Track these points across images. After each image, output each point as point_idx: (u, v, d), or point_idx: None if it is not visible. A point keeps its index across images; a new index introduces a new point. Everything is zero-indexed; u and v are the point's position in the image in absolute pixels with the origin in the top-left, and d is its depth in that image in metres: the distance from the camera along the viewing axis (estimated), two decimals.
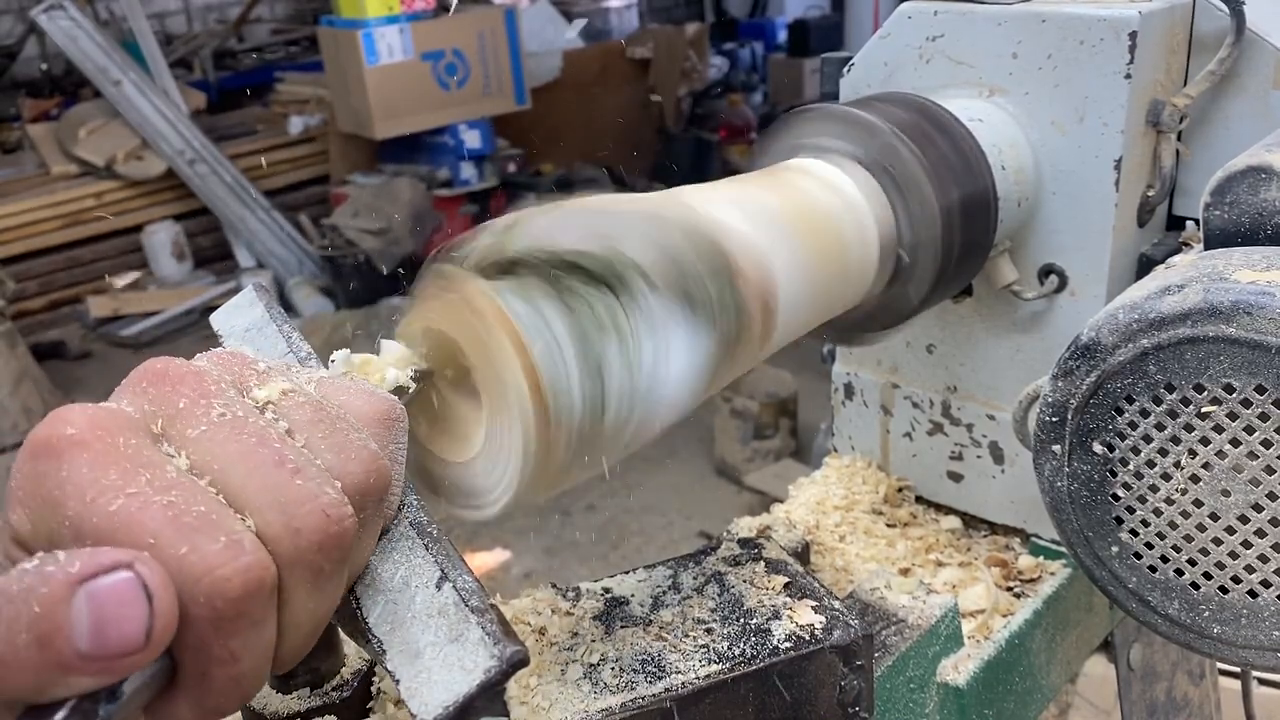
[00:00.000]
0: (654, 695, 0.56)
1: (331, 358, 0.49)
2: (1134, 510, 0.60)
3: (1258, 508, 0.56)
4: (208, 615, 0.35)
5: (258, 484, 0.38)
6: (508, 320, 0.46)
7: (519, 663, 0.40)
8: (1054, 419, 0.61)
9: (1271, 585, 0.56)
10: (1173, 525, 0.59)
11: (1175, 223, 0.82)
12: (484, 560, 3.42)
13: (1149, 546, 0.60)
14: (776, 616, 0.60)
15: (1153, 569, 0.60)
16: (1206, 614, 0.59)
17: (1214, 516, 0.57)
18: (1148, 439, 0.58)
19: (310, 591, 0.39)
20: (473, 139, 5.74)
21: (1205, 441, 0.56)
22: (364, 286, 5.27)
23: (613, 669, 0.58)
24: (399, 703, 0.58)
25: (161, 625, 0.33)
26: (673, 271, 0.50)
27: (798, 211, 0.62)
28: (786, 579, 0.64)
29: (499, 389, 0.47)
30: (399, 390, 0.48)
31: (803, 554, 0.73)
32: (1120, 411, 0.59)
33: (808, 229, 0.62)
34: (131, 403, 0.40)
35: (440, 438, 0.51)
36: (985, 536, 0.88)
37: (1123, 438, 0.59)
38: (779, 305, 0.57)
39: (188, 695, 0.37)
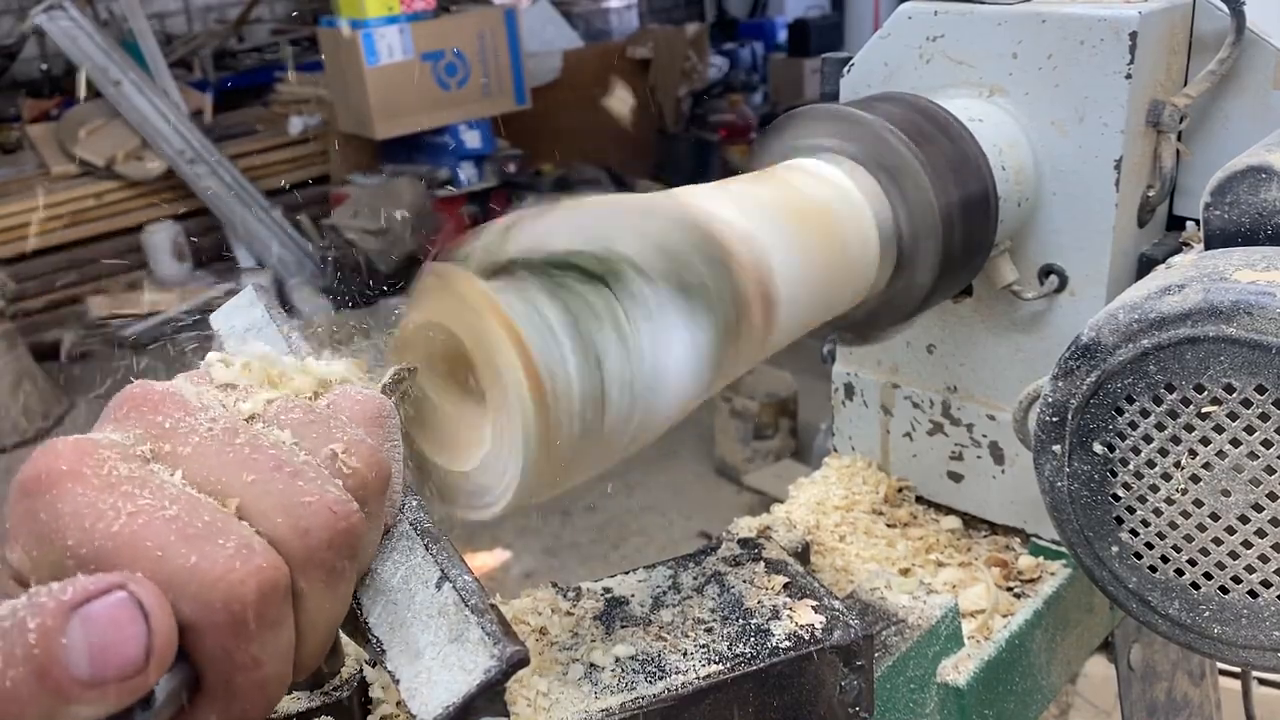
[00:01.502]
0: (654, 695, 0.56)
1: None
2: (1134, 510, 0.60)
3: (1258, 508, 0.56)
4: (226, 621, 0.35)
5: (259, 490, 0.38)
6: (502, 313, 0.46)
7: (519, 663, 0.40)
8: (1054, 419, 0.61)
9: (1272, 585, 0.56)
10: (1173, 525, 0.59)
11: (1175, 223, 0.82)
12: (484, 560, 3.42)
13: (1149, 546, 0.60)
14: (776, 616, 0.60)
15: (1153, 569, 0.60)
16: (1207, 614, 0.59)
17: (1214, 516, 0.57)
18: (1148, 439, 0.58)
19: (324, 590, 0.39)
20: (473, 139, 5.74)
21: (1206, 441, 0.56)
22: (364, 287, 5.27)
23: (613, 669, 0.58)
24: (400, 703, 0.59)
25: (161, 643, 0.33)
26: (666, 262, 0.50)
27: (796, 208, 0.62)
28: (786, 579, 0.64)
29: (497, 382, 0.47)
30: (392, 387, 0.49)
31: (803, 554, 0.73)
32: (1120, 411, 0.59)
33: (806, 226, 0.62)
34: (117, 430, 0.39)
35: (444, 446, 0.51)
36: (985, 536, 0.88)
37: (1123, 438, 0.59)
38: (779, 296, 0.57)
39: (214, 703, 0.37)
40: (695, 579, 0.65)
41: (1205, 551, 0.58)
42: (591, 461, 0.50)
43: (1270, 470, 0.55)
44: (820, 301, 0.63)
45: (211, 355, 0.47)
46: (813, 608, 0.61)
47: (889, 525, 0.88)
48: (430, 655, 0.41)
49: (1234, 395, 0.55)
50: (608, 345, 0.48)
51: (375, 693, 0.59)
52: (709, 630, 0.60)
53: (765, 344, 0.58)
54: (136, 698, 0.33)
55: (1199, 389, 0.56)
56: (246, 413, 0.41)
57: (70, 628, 0.31)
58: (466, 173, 5.79)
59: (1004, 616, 0.79)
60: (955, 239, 0.68)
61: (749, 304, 0.55)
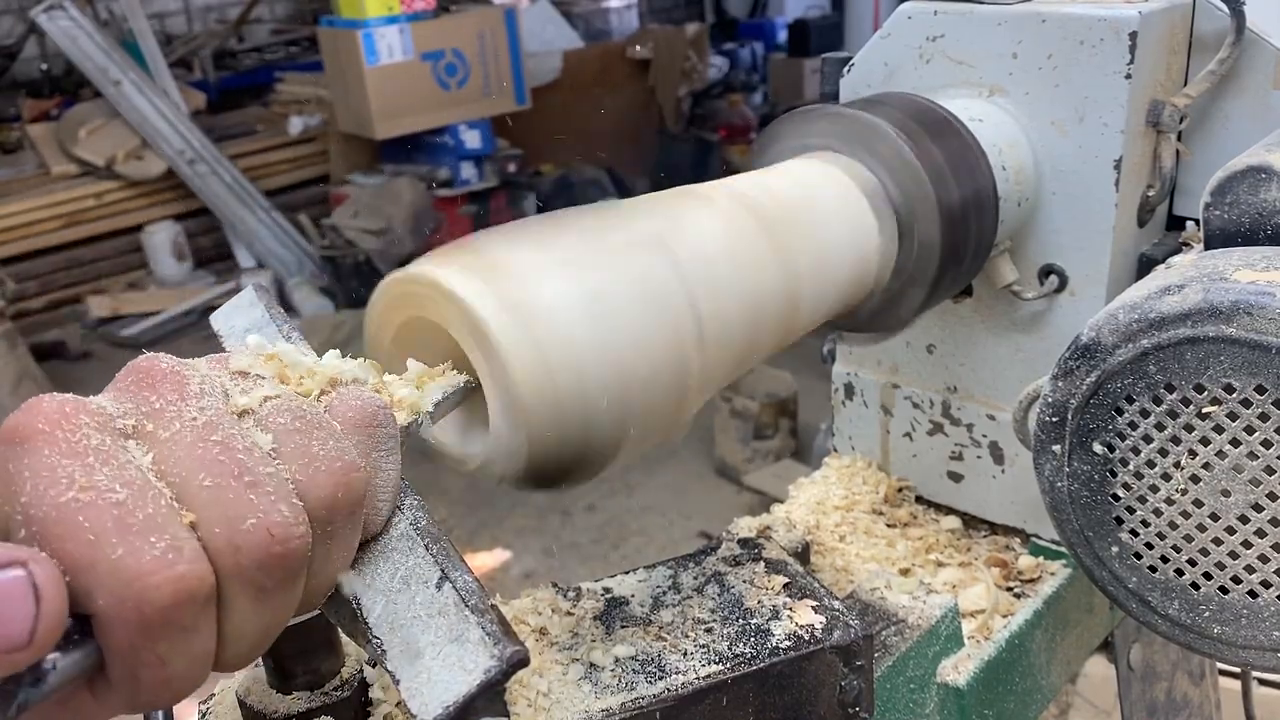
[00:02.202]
0: (654, 695, 0.56)
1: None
2: (1134, 510, 0.60)
3: (1258, 508, 0.56)
4: (135, 619, 0.35)
5: (211, 494, 0.38)
6: (435, 261, 0.47)
7: (519, 663, 0.40)
8: (1054, 419, 0.61)
9: (1272, 585, 0.56)
10: (1173, 525, 0.59)
11: (1175, 223, 0.82)
12: (484, 560, 3.42)
13: (1149, 547, 0.60)
14: (776, 616, 0.60)
15: (1153, 569, 0.60)
16: (1207, 614, 0.59)
17: (1214, 517, 0.57)
18: (1148, 439, 0.58)
19: (253, 605, 0.39)
20: (473, 139, 5.74)
21: (1205, 442, 0.56)
22: (364, 286, 5.26)
23: (613, 669, 0.58)
24: (400, 703, 0.59)
25: (46, 627, 0.33)
26: None
27: (792, 203, 0.62)
28: (786, 579, 0.64)
29: (461, 320, 0.47)
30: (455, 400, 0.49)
31: (803, 554, 0.73)
32: (1120, 411, 0.59)
33: (803, 221, 0.62)
34: (114, 399, 0.40)
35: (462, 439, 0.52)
36: (985, 536, 0.88)
37: (1123, 438, 0.59)
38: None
39: (115, 689, 0.37)
40: (695, 579, 0.65)
41: (1205, 551, 0.58)
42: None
43: (1270, 470, 0.55)
44: (829, 278, 0.63)
45: (251, 338, 0.47)
46: (813, 608, 0.61)
47: (889, 525, 0.88)
48: (430, 655, 0.41)
49: (1234, 395, 0.55)
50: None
51: (375, 693, 0.59)
52: (709, 630, 0.60)
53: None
54: (14, 670, 0.33)
55: (1199, 389, 0.56)
56: (241, 406, 0.41)
57: None
58: (466, 173, 5.79)
59: (1004, 616, 0.79)
60: (955, 239, 0.68)
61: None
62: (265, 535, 0.38)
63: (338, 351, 0.48)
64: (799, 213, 0.62)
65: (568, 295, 0.48)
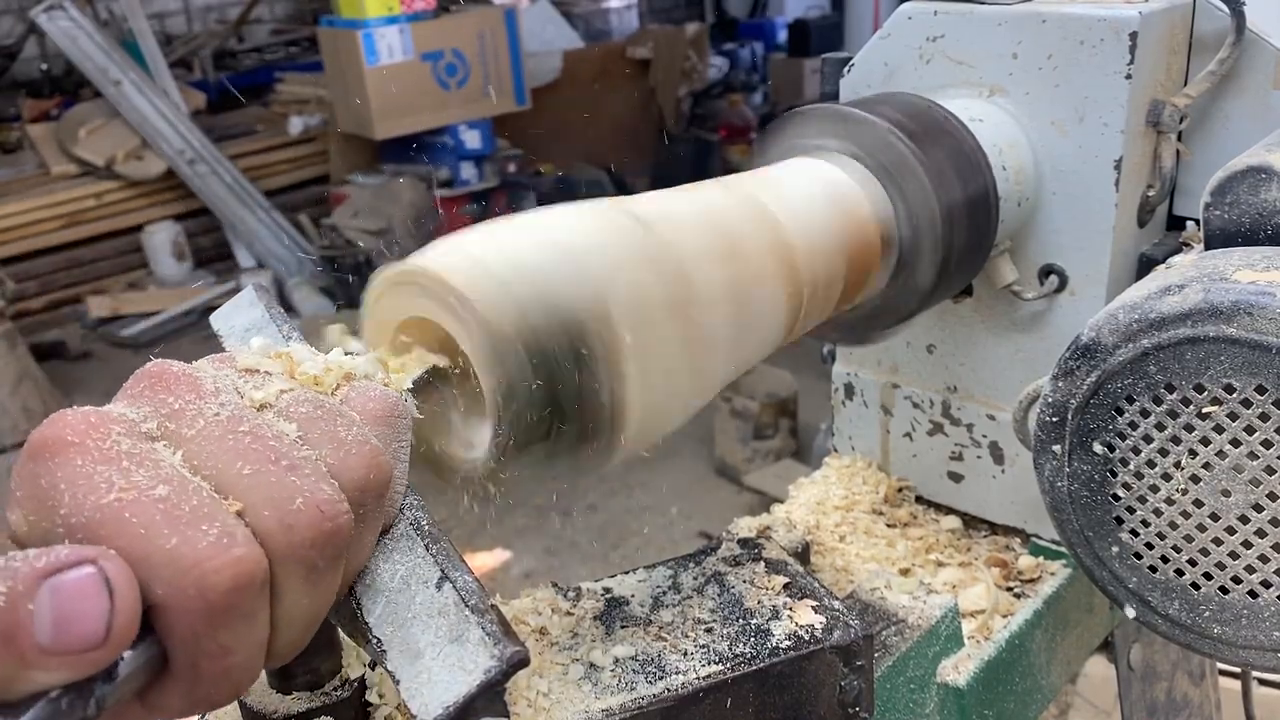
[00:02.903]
0: (654, 695, 0.56)
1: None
2: (1134, 510, 0.60)
3: (1258, 508, 0.56)
4: (198, 608, 0.35)
5: (251, 480, 0.38)
6: (432, 259, 0.47)
7: (519, 663, 0.40)
8: (1054, 419, 0.61)
9: (1272, 586, 0.56)
10: (1173, 525, 0.59)
11: (1175, 223, 0.82)
12: (484, 560, 3.42)
13: (1149, 547, 0.60)
14: (776, 616, 0.60)
15: (1153, 569, 0.60)
16: (1207, 614, 0.59)
17: (1214, 517, 0.57)
18: (1148, 439, 0.58)
19: (305, 587, 0.39)
20: (473, 139, 5.74)
21: (1206, 442, 0.56)
22: (364, 286, 5.25)
23: (613, 669, 0.58)
24: (400, 705, 0.58)
25: (122, 622, 0.33)
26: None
27: (792, 203, 0.62)
28: (786, 579, 0.64)
29: (457, 315, 0.47)
30: (423, 386, 0.49)
31: (803, 554, 0.73)
32: (1120, 412, 0.59)
33: (803, 221, 0.62)
34: (129, 406, 0.40)
35: (459, 440, 0.52)
36: (985, 536, 0.88)
37: (1123, 438, 0.59)
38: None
39: (178, 685, 0.37)
40: (695, 579, 0.65)
41: (1205, 552, 0.58)
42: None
43: (1270, 470, 0.55)
44: (828, 278, 0.63)
45: (255, 340, 0.47)
46: (813, 608, 0.61)
47: (889, 525, 0.88)
48: (430, 655, 0.41)
49: (1234, 395, 0.55)
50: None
51: (372, 697, 0.59)
52: (709, 630, 0.60)
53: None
54: (94, 671, 0.33)
55: (1199, 389, 0.56)
56: (258, 401, 0.42)
57: (39, 595, 0.32)
58: (466, 173, 5.79)
59: (1004, 616, 0.79)
60: (955, 239, 0.68)
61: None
62: (316, 513, 0.38)
63: (340, 349, 0.48)
64: (799, 213, 0.62)
65: (519, 237, 0.49)
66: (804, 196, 0.63)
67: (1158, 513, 0.59)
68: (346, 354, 0.48)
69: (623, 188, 6.11)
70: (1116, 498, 0.60)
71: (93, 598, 0.33)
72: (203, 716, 0.55)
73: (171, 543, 0.35)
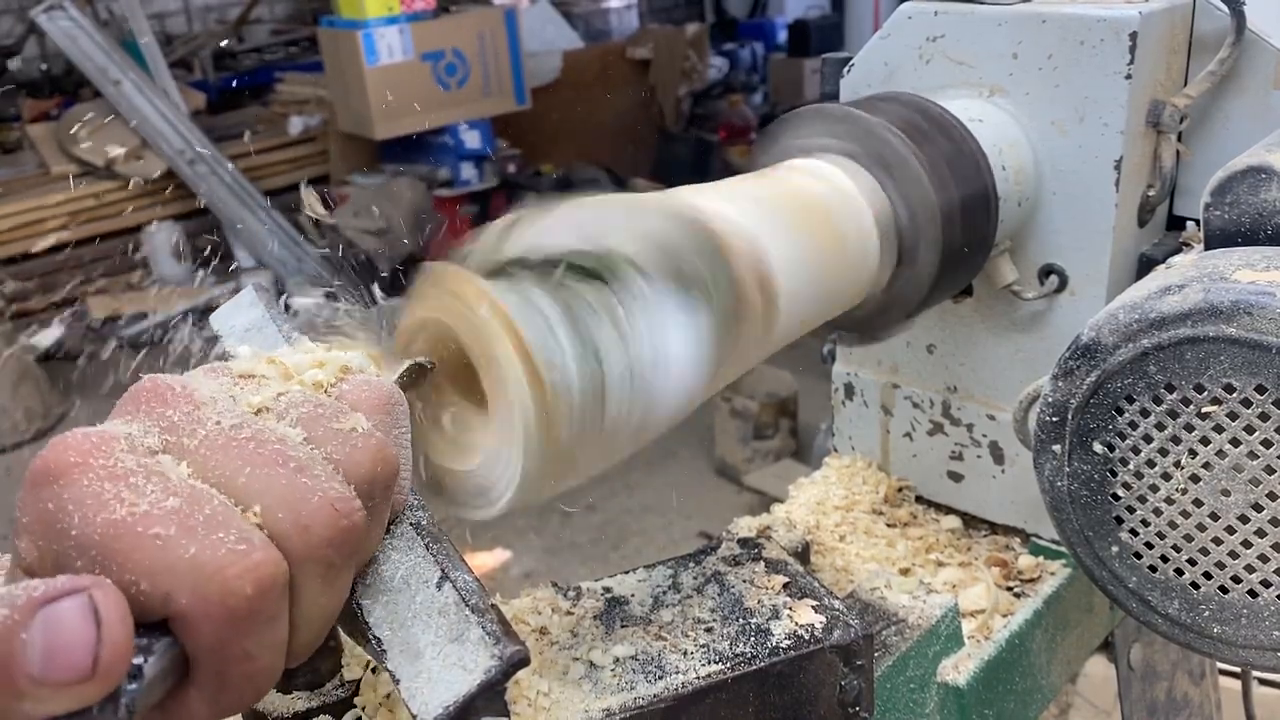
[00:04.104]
0: (654, 695, 0.56)
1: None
2: (1134, 510, 0.60)
3: (1258, 507, 0.56)
4: (221, 615, 0.35)
5: (262, 484, 0.38)
6: (498, 306, 0.46)
7: (519, 662, 0.40)
8: (1054, 419, 0.61)
9: (1271, 585, 0.56)
10: (1173, 525, 0.59)
11: (1175, 223, 0.82)
12: (484, 560, 3.42)
13: (1149, 546, 0.60)
14: (776, 616, 0.60)
15: (1153, 569, 0.60)
16: (1206, 614, 0.59)
17: (1214, 516, 0.57)
18: (1148, 439, 0.58)
19: (322, 586, 0.39)
20: (473, 139, 5.74)
21: (1205, 441, 0.56)
22: (363, 287, 5.25)
23: (613, 669, 0.58)
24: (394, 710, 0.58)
25: (109, 654, 0.32)
26: (662, 257, 0.51)
27: (795, 205, 0.63)
28: (786, 579, 0.64)
29: (495, 374, 0.47)
30: (410, 375, 0.49)
31: (803, 554, 0.73)
32: (1120, 411, 0.59)
33: (805, 222, 0.62)
34: (127, 423, 0.40)
35: (449, 447, 0.51)
36: (985, 536, 0.88)
37: (1123, 437, 0.59)
38: (779, 287, 0.58)
39: (202, 692, 0.37)
40: (695, 579, 0.65)
41: (1205, 551, 0.58)
42: (595, 456, 0.50)
43: (1270, 470, 0.55)
44: (821, 295, 0.63)
45: (242, 349, 0.47)
46: (813, 608, 0.61)
47: (889, 525, 0.88)
48: (430, 655, 0.41)
49: (1234, 395, 0.55)
50: (606, 338, 0.48)
51: (367, 698, 0.59)
52: (709, 630, 0.60)
53: (768, 335, 0.58)
54: (84, 704, 0.32)
55: (1199, 389, 0.56)
56: (256, 405, 0.42)
57: (34, 624, 0.32)
58: (466, 173, 5.79)
59: (1004, 616, 0.79)
60: (955, 239, 0.68)
61: (747, 289, 0.55)
62: (331, 511, 0.38)
63: (330, 345, 0.48)
64: (798, 214, 0.62)
65: (593, 464, 0.50)
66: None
67: (1157, 512, 0.59)
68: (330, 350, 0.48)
69: (623, 187, 6.09)
70: (1116, 497, 0.60)
71: (80, 628, 0.32)
72: None
73: (190, 551, 0.35)
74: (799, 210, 0.62)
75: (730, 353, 0.55)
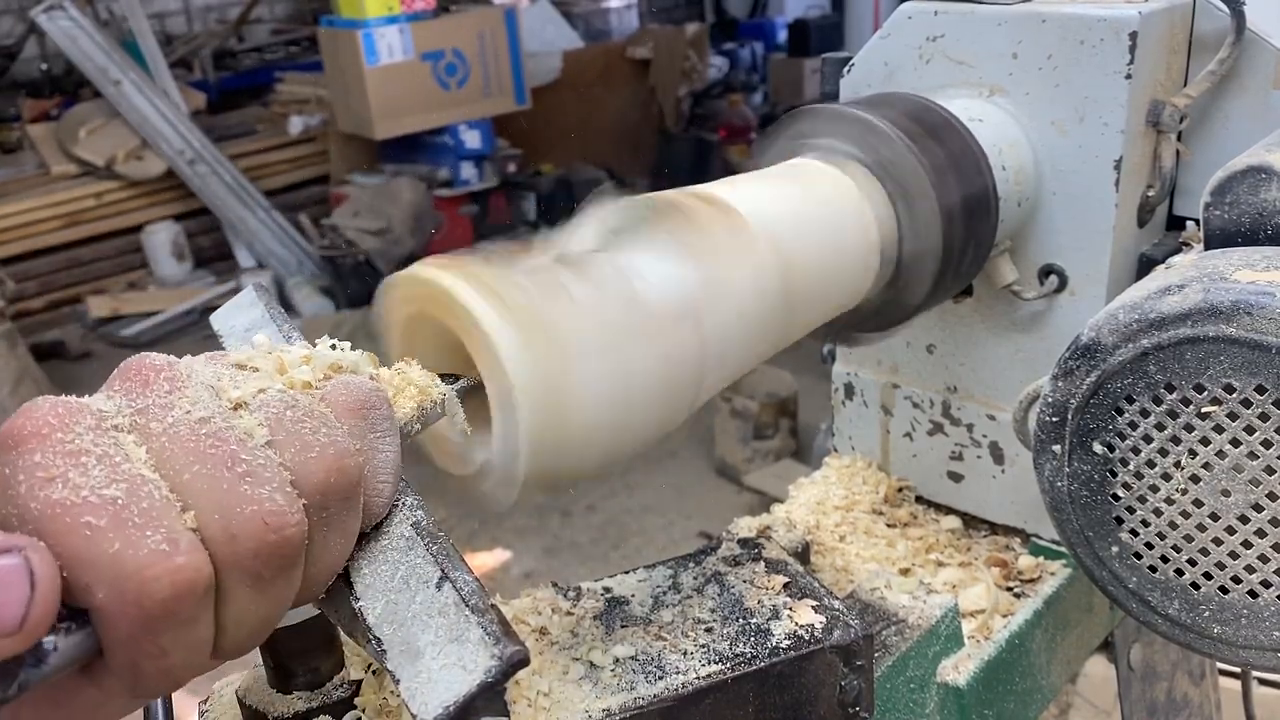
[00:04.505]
0: (654, 695, 0.56)
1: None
2: (1134, 510, 0.60)
3: (1258, 508, 0.56)
4: (135, 614, 0.35)
5: (204, 484, 0.38)
6: (461, 268, 0.48)
7: (519, 662, 0.40)
8: (1054, 419, 0.61)
9: (1272, 585, 0.56)
10: (1173, 525, 0.59)
11: (1175, 223, 0.82)
12: (484, 560, 3.42)
13: (1149, 546, 0.60)
14: (776, 616, 0.60)
15: (1153, 569, 0.60)
16: (1207, 614, 0.59)
17: (1214, 516, 0.57)
18: (1148, 439, 0.58)
19: (251, 594, 0.39)
20: (473, 139, 5.74)
21: (1205, 441, 0.56)
22: (364, 286, 5.26)
23: (613, 669, 0.58)
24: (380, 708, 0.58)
25: (37, 614, 0.34)
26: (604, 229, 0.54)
27: (798, 202, 0.63)
28: (786, 579, 0.64)
29: (471, 327, 0.47)
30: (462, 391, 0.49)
31: (803, 554, 0.73)
32: (1120, 411, 0.59)
33: (805, 221, 0.62)
34: (109, 397, 0.40)
35: (459, 459, 0.52)
36: (985, 536, 0.88)
37: (1123, 438, 0.59)
38: (790, 250, 0.59)
39: (116, 678, 0.38)
40: (695, 579, 0.65)
41: (1205, 551, 0.58)
42: (598, 404, 0.50)
43: (1270, 470, 0.55)
44: (826, 293, 0.64)
45: (259, 337, 0.47)
46: (813, 608, 0.61)
47: (889, 525, 0.87)
48: (430, 655, 0.41)
49: (1234, 395, 0.55)
50: (568, 277, 0.50)
51: (367, 698, 0.59)
52: (709, 630, 0.60)
53: (753, 246, 0.59)
54: (8, 655, 0.34)
55: (1199, 389, 0.56)
56: (235, 399, 0.42)
57: None
58: (466, 173, 5.79)
59: (1004, 616, 0.79)
60: (955, 239, 0.68)
61: (678, 200, 0.57)
62: (260, 524, 0.38)
63: (329, 340, 0.48)
64: (799, 214, 0.62)
65: (598, 384, 0.49)
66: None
67: (1157, 513, 0.59)
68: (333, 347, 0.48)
69: (623, 187, 6.10)
70: (1116, 498, 0.60)
71: (14, 586, 0.33)
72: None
73: (114, 548, 0.35)
74: (802, 207, 0.63)
75: (695, 242, 0.56)
